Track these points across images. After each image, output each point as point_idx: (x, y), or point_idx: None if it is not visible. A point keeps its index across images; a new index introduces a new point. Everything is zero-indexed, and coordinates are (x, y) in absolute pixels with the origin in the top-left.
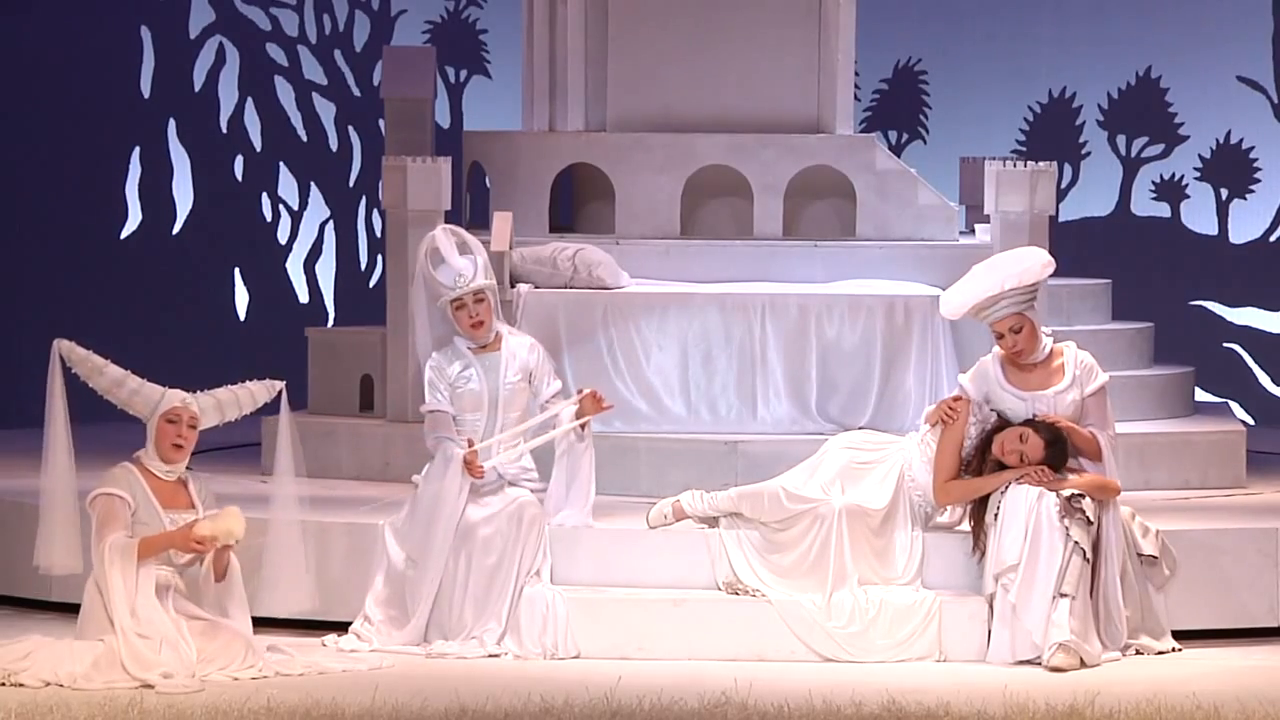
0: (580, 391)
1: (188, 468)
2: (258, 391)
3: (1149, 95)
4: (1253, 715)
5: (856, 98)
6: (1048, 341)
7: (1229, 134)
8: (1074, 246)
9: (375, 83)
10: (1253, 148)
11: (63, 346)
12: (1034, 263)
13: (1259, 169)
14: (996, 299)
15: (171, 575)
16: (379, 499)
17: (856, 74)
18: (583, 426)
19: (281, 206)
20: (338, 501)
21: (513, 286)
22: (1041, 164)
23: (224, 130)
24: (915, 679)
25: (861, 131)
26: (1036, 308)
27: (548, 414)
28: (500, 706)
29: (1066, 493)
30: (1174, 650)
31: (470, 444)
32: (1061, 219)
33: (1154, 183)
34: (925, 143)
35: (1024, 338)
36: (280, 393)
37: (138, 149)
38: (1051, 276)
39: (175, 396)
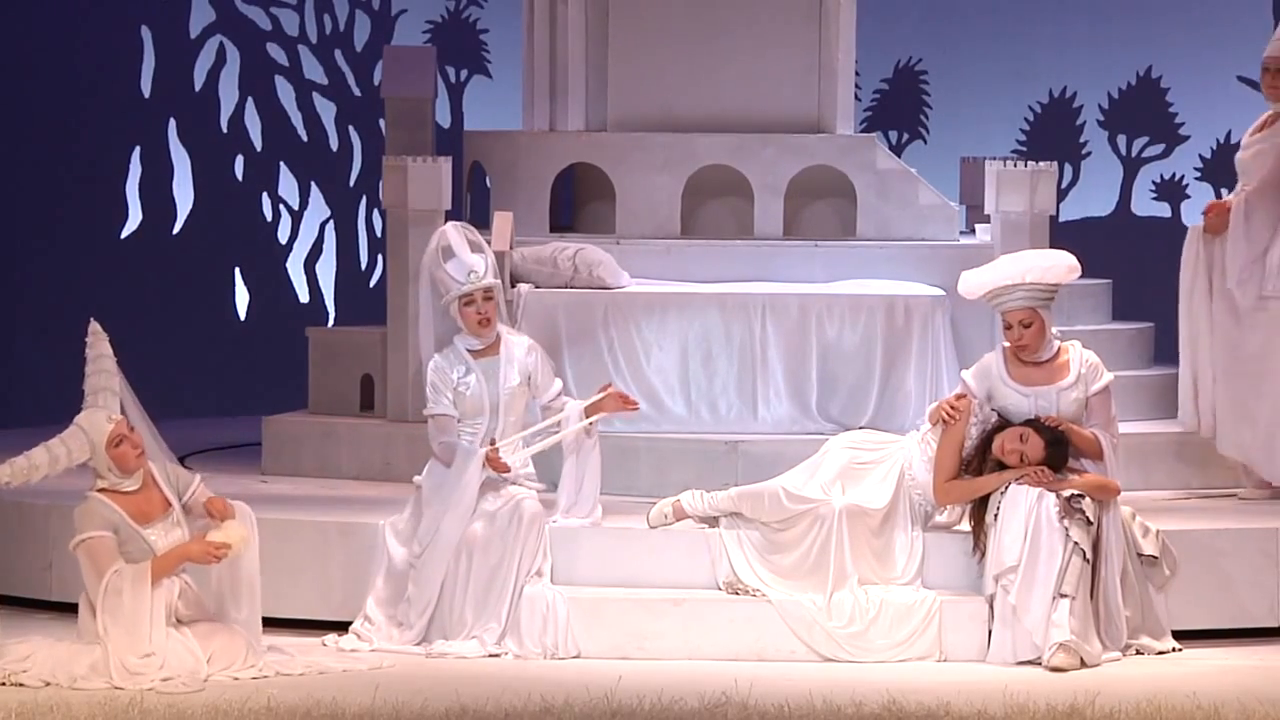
0: (607, 386)
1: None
2: (101, 350)
3: (1149, 95)
4: (1253, 715)
5: (857, 98)
6: (1055, 343)
7: (1229, 134)
8: (1074, 246)
9: (375, 82)
10: None
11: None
12: (1060, 264)
13: None
14: (1013, 287)
15: (175, 584)
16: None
17: (857, 74)
18: (590, 425)
19: (281, 206)
20: (338, 501)
21: (513, 286)
22: (1042, 164)
23: (224, 130)
24: (915, 679)
25: (862, 131)
26: (1052, 309)
27: (555, 417)
28: (500, 706)
29: (1066, 493)
30: (1174, 650)
31: (493, 443)
32: (1061, 219)
33: (1154, 183)
34: (925, 143)
35: (1032, 333)
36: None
37: (138, 149)
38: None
39: (101, 424)
